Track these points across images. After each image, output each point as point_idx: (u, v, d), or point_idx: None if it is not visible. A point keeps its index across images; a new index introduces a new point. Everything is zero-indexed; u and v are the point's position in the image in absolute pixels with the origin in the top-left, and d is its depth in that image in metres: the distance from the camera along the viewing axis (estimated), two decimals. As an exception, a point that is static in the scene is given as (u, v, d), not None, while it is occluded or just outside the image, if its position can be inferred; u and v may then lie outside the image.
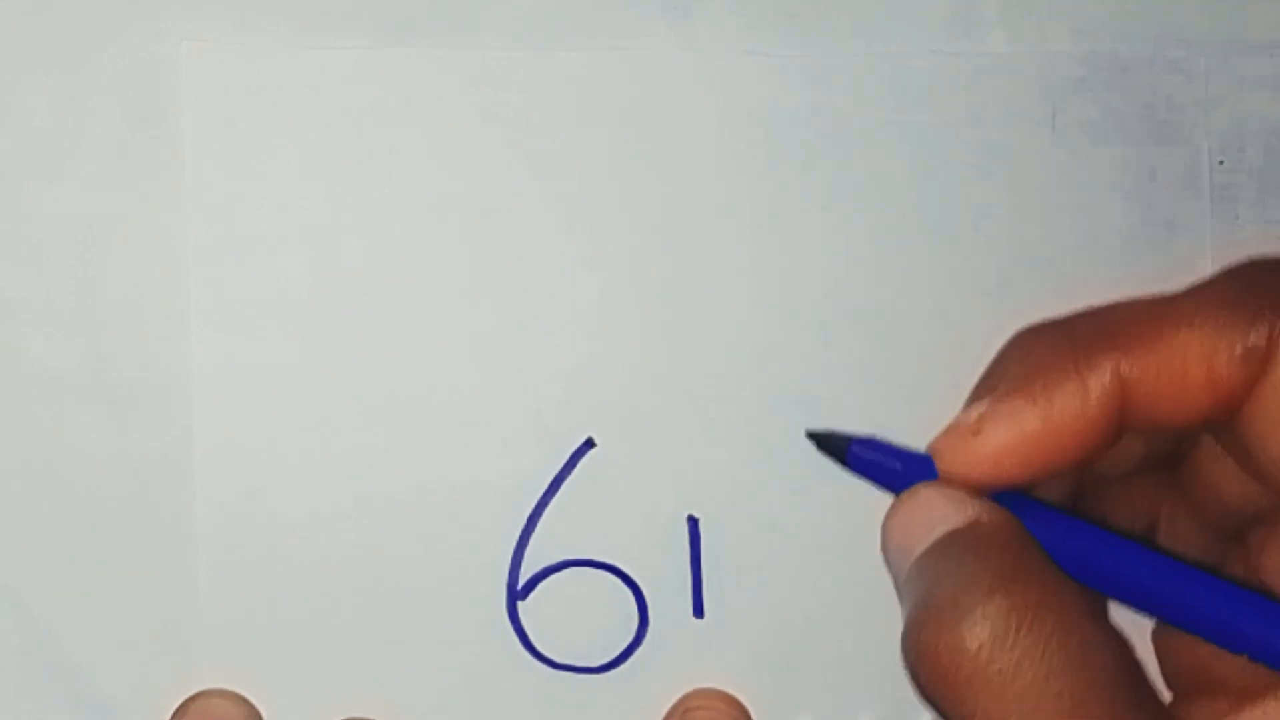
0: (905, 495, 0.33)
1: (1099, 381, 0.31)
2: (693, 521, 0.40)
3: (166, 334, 0.39)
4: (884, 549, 0.33)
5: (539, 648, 0.40)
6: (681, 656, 0.40)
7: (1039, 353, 0.32)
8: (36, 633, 0.38)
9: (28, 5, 0.38)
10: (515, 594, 0.40)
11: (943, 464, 0.32)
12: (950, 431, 0.32)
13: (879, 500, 0.40)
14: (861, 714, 0.40)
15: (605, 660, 0.40)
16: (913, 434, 0.40)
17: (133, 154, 0.39)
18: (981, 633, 0.28)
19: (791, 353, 0.40)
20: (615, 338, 0.40)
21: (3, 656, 0.38)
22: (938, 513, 0.31)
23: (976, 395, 0.33)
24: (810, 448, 0.40)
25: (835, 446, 0.35)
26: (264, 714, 0.39)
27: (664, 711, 0.40)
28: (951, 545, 0.31)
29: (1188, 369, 0.31)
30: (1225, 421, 0.31)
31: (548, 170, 0.40)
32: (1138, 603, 0.31)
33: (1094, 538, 0.32)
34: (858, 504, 0.40)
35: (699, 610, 0.40)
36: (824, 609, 0.40)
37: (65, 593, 0.39)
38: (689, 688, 0.39)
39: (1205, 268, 0.42)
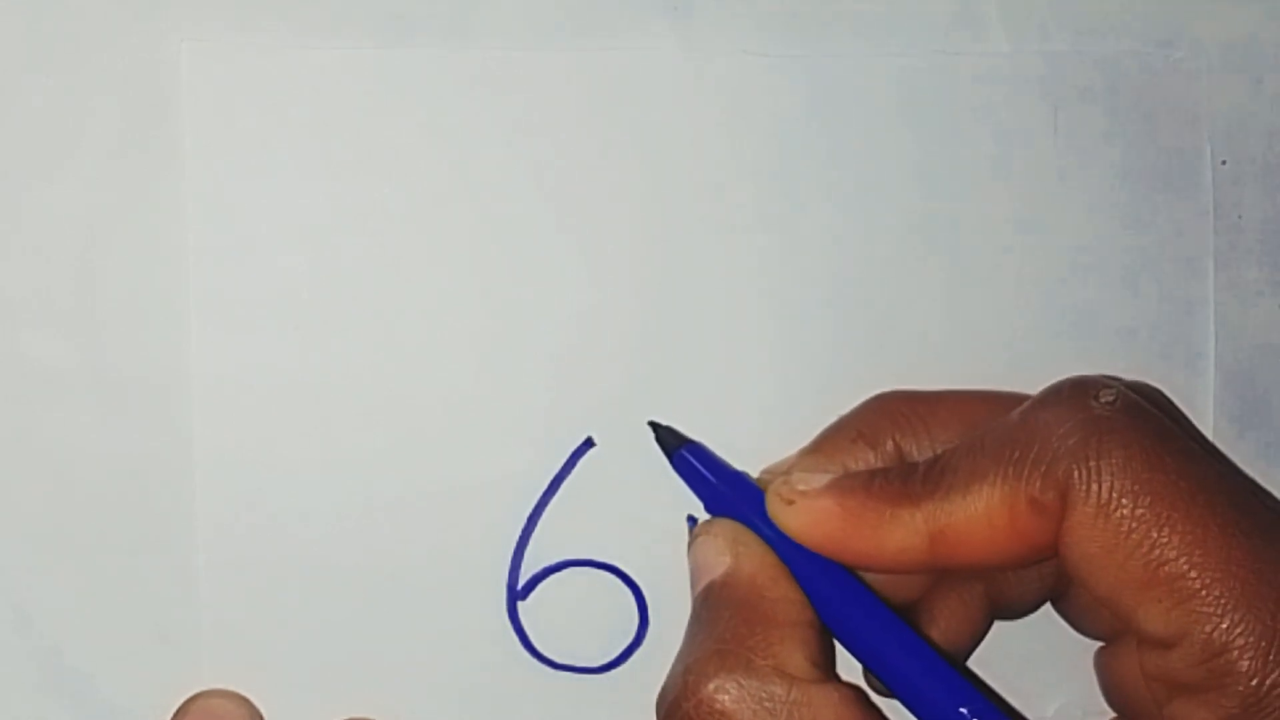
0: (700, 528, 0.37)
1: (913, 533, 0.34)
2: (693, 521, 0.40)
3: (166, 334, 0.39)
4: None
5: (539, 648, 0.40)
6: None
7: (864, 484, 0.35)
8: (37, 633, 0.38)
9: (28, 5, 0.38)
10: (515, 594, 0.40)
11: (767, 503, 0.36)
12: (774, 484, 0.36)
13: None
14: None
15: (605, 660, 0.40)
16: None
17: (133, 154, 0.39)
18: (710, 704, 0.33)
19: (791, 353, 0.40)
20: (615, 338, 0.40)
21: (3, 657, 0.38)
22: (708, 559, 0.36)
23: (836, 429, 0.38)
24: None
25: (667, 444, 0.38)
26: (264, 714, 0.39)
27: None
28: (705, 599, 0.35)
29: (991, 522, 0.33)
30: (1049, 558, 0.34)
31: (547, 170, 0.40)
32: (861, 655, 0.35)
33: (853, 603, 0.35)
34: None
35: (699, 610, 0.40)
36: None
37: (65, 593, 0.39)
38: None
39: (1206, 268, 0.42)
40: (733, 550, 0.35)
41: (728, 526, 0.36)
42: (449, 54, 0.39)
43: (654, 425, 0.39)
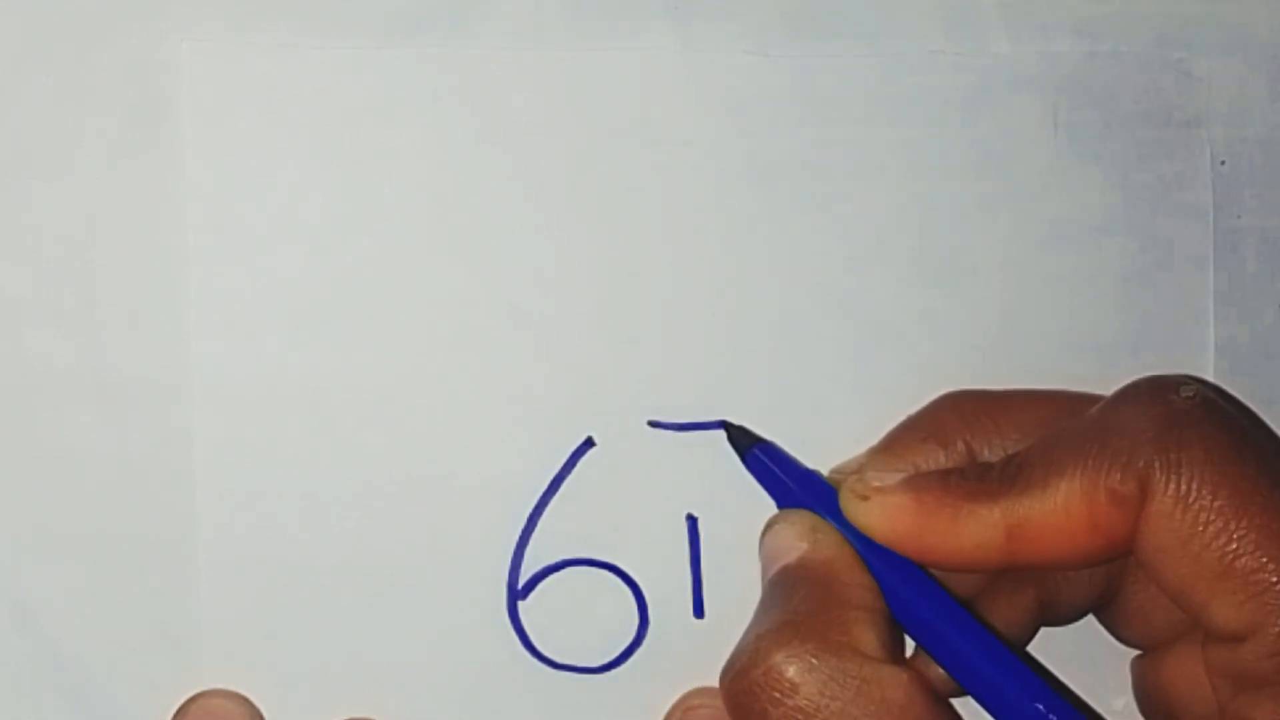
0: (772, 520, 0.37)
1: (990, 528, 0.34)
2: (692, 521, 0.40)
3: (166, 333, 0.39)
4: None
5: (539, 647, 0.40)
6: (681, 656, 0.40)
7: (941, 481, 0.35)
8: (37, 633, 0.38)
9: (28, 5, 0.38)
10: (515, 593, 0.40)
11: (840, 499, 0.36)
12: (848, 480, 0.36)
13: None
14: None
15: (605, 660, 0.40)
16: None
17: (133, 154, 0.39)
18: (780, 672, 0.32)
19: (791, 352, 0.40)
20: (615, 337, 0.40)
21: (3, 657, 0.38)
22: (783, 544, 0.36)
23: (905, 428, 0.38)
24: (805, 448, 0.40)
25: (740, 443, 0.39)
26: (265, 714, 0.39)
27: (664, 711, 0.40)
28: (779, 579, 0.35)
29: (1070, 518, 0.33)
30: (1122, 555, 0.34)
31: (547, 170, 0.40)
32: (935, 651, 0.35)
33: (926, 597, 0.35)
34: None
35: (699, 610, 0.40)
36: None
37: (66, 593, 0.39)
38: (689, 687, 0.39)
39: (1206, 268, 0.42)
40: (810, 537, 0.35)
41: (804, 515, 0.36)
42: (449, 54, 0.39)
43: (726, 425, 0.39)
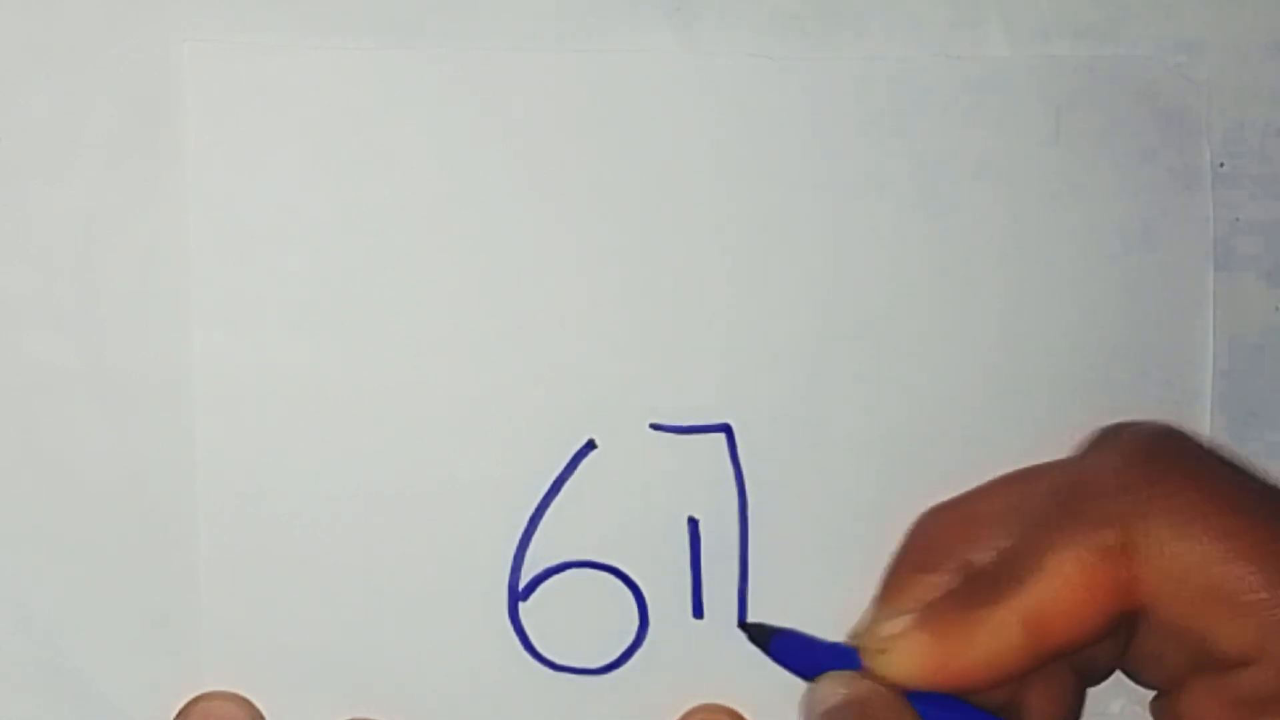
0: (821, 678, 0.37)
1: (1006, 629, 0.34)
2: (693, 523, 0.40)
3: (167, 333, 0.39)
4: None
5: (540, 649, 0.40)
6: (682, 658, 0.40)
7: (939, 593, 0.36)
8: (37, 634, 0.38)
9: (28, 5, 0.38)
10: (516, 595, 0.40)
11: (861, 657, 0.36)
12: (862, 640, 0.36)
13: (873, 495, 0.41)
14: (861, 715, 0.40)
15: (606, 661, 0.40)
16: (914, 433, 0.40)
17: (133, 154, 0.39)
18: None
19: (791, 355, 0.40)
20: (616, 339, 0.40)
21: (3, 658, 0.38)
22: (825, 692, 0.36)
23: (891, 575, 0.38)
24: (811, 450, 0.40)
25: (760, 640, 0.39)
26: (265, 715, 0.39)
27: (664, 712, 0.40)
28: (849, 703, 0.35)
29: (1072, 586, 0.34)
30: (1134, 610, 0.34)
31: (549, 172, 0.40)
32: None
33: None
34: (856, 505, 0.41)
35: (699, 612, 0.40)
36: (823, 610, 0.40)
37: (66, 592, 0.39)
38: (689, 689, 0.40)
39: (1205, 269, 0.42)
40: (850, 683, 0.36)
41: (842, 672, 0.36)
42: (449, 54, 0.39)
43: (744, 627, 0.39)
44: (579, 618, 0.40)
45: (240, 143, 0.39)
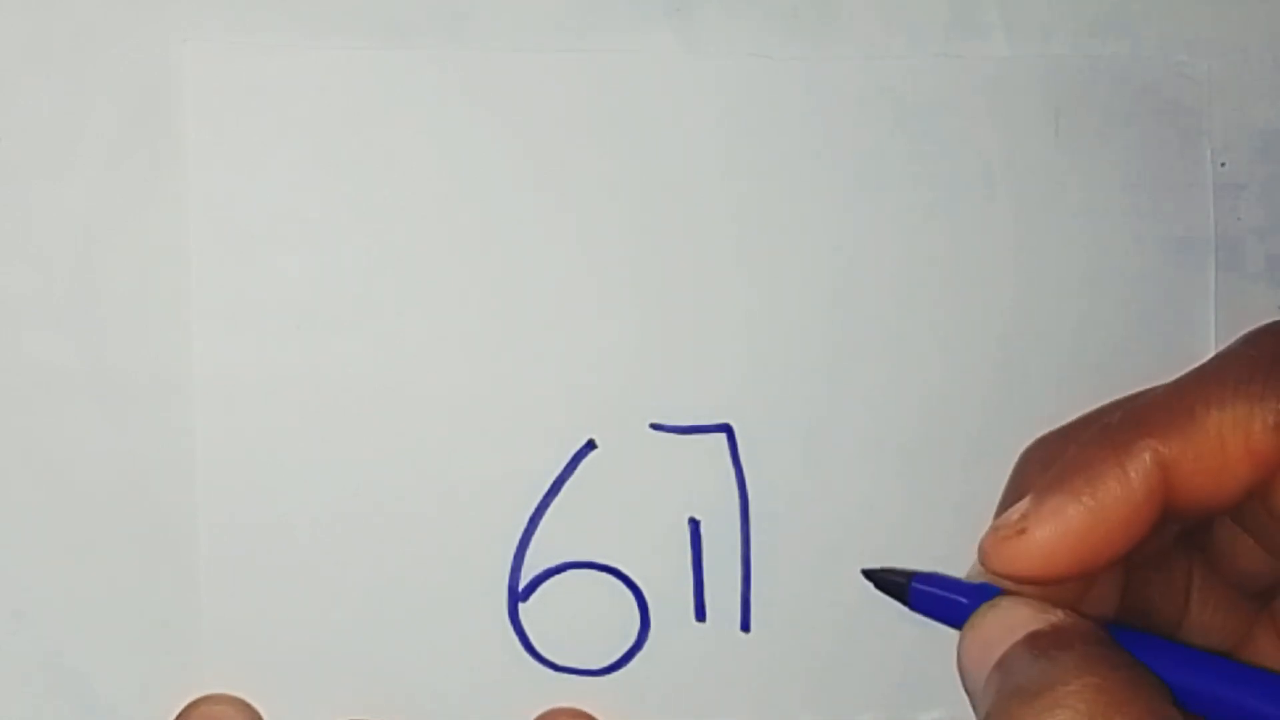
0: (985, 607, 0.32)
1: (1140, 469, 0.31)
2: (694, 524, 0.40)
3: (167, 333, 0.39)
4: (960, 663, 0.32)
5: (540, 650, 0.40)
6: (683, 659, 0.40)
7: (1073, 450, 0.32)
8: (37, 633, 0.38)
9: (28, 5, 0.38)
10: (516, 596, 0.40)
11: (992, 564, 0.32)
12: (995, 532, 0.32)
13: (874, 495, 0.41)
14: (862, 715, 0.40)
15: (606, 663, 0.40)
16: (916, 434, 0.40)
17: (133, 154, 0.39)
18: (1075, 716, 0.29)
19: (792, 355, 0.40)
20: (616, 340, 0.40)
21: (3, 659, 0.38)
22: (1018, 619, 0.31)
23: (1006, 502, 0.34)
24: (811, 450, 0.40)
25: (893, 585, 0.34)
26: (265, 715, 0.39)
27: (664, 713, 0.40)
28: (1036, 642, 0.31)
29: (1225, 446, 0.31)
30: (1262, 494, 0.32)
31: (549, 171, 0.40)
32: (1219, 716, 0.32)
33: (1182, 658, 0.32)
34: (856, 506, 0.41)
35: (700, 613, 0.40)
36: (824, 611, 0.40)
37: (65, 593, 0.38)
38: (690, 690, 0.40)
39: (1206, 268, 0.42)
40: (1052, 611, 0.32)
41: (1020, 599, 0.32)
42: (449, 54, 0.39)
43: (868, 574, 0.34)
44: (579, 619, 0.40)
45: (240, 143, 0.39)
